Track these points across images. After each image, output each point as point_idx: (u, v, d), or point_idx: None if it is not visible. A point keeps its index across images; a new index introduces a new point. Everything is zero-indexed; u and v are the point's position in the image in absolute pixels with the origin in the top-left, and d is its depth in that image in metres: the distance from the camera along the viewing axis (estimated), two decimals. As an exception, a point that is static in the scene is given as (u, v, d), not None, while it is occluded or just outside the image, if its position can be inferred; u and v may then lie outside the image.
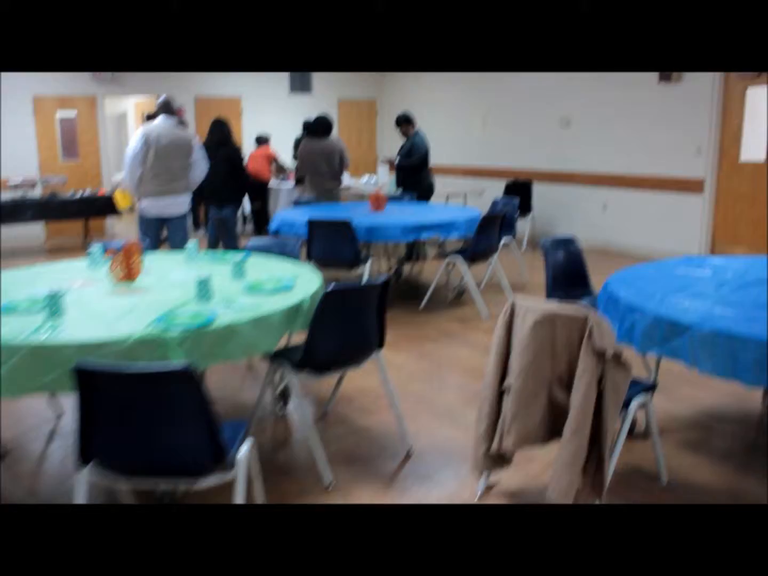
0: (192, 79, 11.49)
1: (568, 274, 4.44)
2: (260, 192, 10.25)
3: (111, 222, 11.21)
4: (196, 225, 10.65)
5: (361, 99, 13.10)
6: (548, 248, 4.35)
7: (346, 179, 10.90)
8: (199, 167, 5.95)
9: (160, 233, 5.94)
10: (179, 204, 5.86)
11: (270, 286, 3.37)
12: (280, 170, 10.29)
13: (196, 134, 6.49)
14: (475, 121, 11.08)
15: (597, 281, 4.61)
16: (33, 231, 10.52)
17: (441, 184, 9.59)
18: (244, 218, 8.88)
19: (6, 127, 10.28)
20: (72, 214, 9.61)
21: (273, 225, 6.23)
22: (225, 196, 7.74)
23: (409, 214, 6.34)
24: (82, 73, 10.67)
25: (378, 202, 6.52)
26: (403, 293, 6.88)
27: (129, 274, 3.55)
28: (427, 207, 7.00)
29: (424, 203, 7.39)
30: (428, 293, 6.17)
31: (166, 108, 5.84)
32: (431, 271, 7.62)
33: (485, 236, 5.87)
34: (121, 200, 10.59)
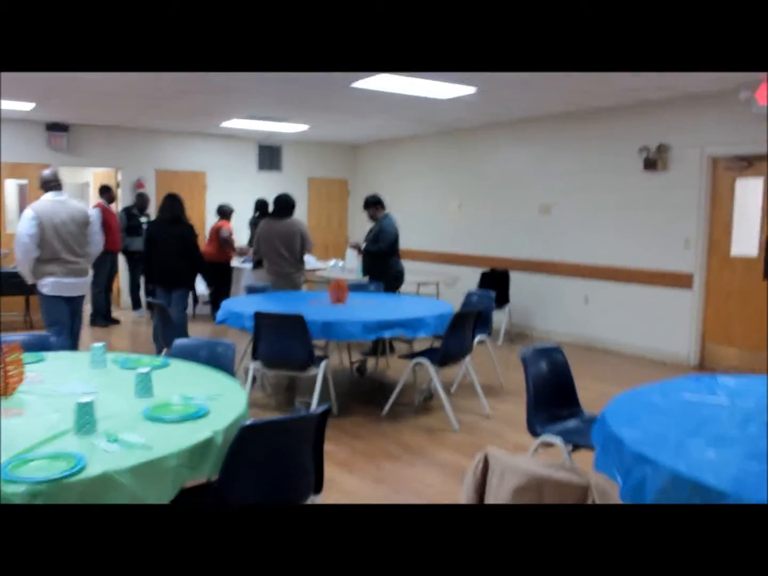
0: (154, 150, 10.97)
1: (553, 389, 3.78)
2: (220, 272, 9.60)
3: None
4: (135, 306, 9.96)
5: (332, 178, 12.64)
6: (529, 358, 3.70)
7: (312, 262, 10.35)
8: (96, 239, 5.82)
9: (70, 316, 5.66)
10: (83, 285, 5.74)
11: (178, 410, 2.66)
12: (227, 243, 9.66)
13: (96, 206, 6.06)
14: (451, 204, 10.60)
15: (582, 386, 3.96)
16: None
17: (412, 271, 9.01)
18: (195, 301, 8.20)
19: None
20: (10, 290, 8.84)
21: (219, 315, 5.54)
22: (174, 278, 7.13)
23: (372, 307, 5.70)
24: (37, 140, 10.09)
25: (338, 292, 5.86)
26: (365, 394, 6.17)
27: (3, 387, 2.82)
28: (394, 299, 6.36)
29: (392, 295, 6.75)
30: (392, 397, 5.45)
31: (54, 182, 5.62)
32: (399, 367, 6.92)
33: (457, 336, 5.22)
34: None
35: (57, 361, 3.54)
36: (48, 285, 5.50)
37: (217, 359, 3.66)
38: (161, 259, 7.19)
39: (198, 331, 8.03)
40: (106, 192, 9.35)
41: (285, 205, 7.07)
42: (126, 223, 9.58)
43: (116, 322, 9.54)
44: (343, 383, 6.52)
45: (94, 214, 5.89)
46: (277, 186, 11.90)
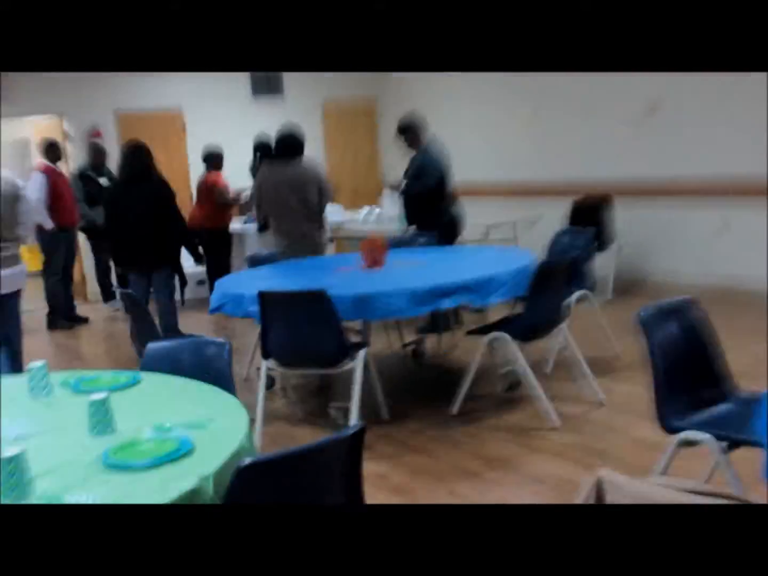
0: (111, 87, 10.78)
1: (690, 362, 3.52)
2: (216, 241, 9.44)
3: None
4: (106, 297, 9.86)
5: (354, 100, 12.37)
6: (651, 322, 3.43)
7: (337, 214, 10.15)
8: (26, 216, 5.84)
9: None
10: (12, 278, 5.67)
11: (150, 450, 2.46)
12: (228, 205, 9.49)
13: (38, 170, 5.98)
14: (520, 114, 10.24)
15: (729, 349, 3.67)
16: None
17: (475, 213, 8.72)
18: (183, 283, 8.01)
19: None
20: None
21: (213, 300, 5.37)
22: (147, 255, 6.97)
23: (422, 269, 5.47)
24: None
25: (373, 253, 5.63)
26: (426, 387, 5.98)
27: None
28: (452, 253, 6.12)
29: (449, 248, 6.50)
30: (463, 389, 5.22)
31: None
32: (469, 347, 6.68)
33: (545, 297, 4.96)
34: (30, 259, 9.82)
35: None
36: None
37: (208, 366, 3.47)
38: (127, 233, 7.03)
39: (192, 325, 7.90)
40: (49, 149, 9.24)
41: (291, 142, 6.88)
42: (82, 190, 9.42)
43: (83, 320, 9.47)
44: (395, 374, 6.33)
45: (21, 183, 5.84)
46: (280, 116, 11.59)
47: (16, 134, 13.41)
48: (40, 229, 8.99)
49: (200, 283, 9.98)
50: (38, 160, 9.31)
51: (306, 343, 4.77)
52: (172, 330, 7.23)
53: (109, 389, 3.07)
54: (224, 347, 3.50)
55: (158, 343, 3.67)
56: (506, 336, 4.93)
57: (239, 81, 11.60)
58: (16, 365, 5.69)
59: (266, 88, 11.77)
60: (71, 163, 10.67)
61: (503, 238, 8.88)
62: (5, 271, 5.63)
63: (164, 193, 7.02)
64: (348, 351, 4.76)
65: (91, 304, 10.44)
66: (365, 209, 9.31)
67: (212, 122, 11.33)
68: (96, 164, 9.74)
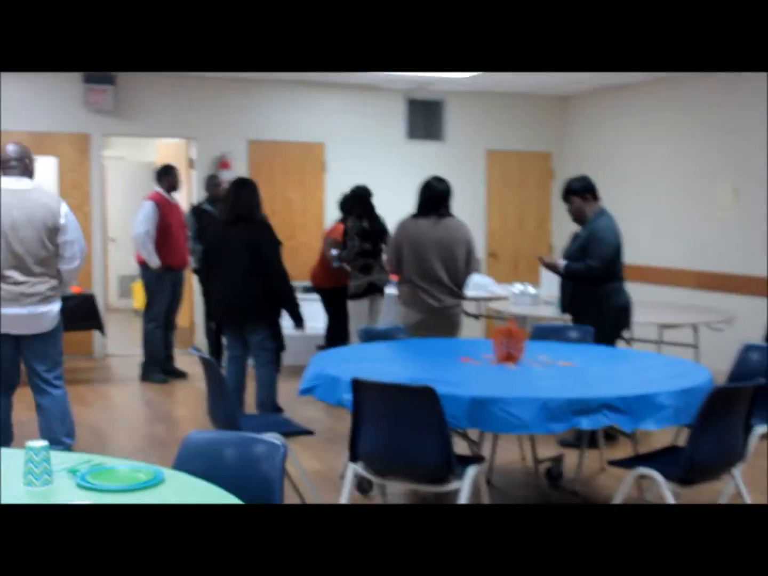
0: (245, 111, 10.74)
1: None
2: (334, 302, 9.14)
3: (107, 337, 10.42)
4: (212, 352, 9.61)
5: (525, 150, 11.96)
6: None
7: (488, 285, 9.73)
8: (72, 250, 5.67)
9: (13, 362, 5.73)
10: (41, 317, 5.63)
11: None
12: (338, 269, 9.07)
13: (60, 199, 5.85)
14: (720, 191, 9.60)
15: None
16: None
17: (647, 303, 8.12)
18: (280, 347, 7.61)
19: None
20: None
21: (304, 380, 5.01)
22: (240, 311, 6.72)
23: (566, 372, 4.96)
24: (70, 99, 10.12)
25: (507, 345, 5.16)
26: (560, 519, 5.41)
27: None
28: (606, 357, 5.57)
29: (603, 349, 5.94)
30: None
31: (13, 161, 5.64)
32: (618, 474, 6.10)
33: (717, 431, 4.36)
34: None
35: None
36: None
37: (255, 467, 3.12)
38: (220, 282, 6.80)
39: (296, 400, 7.55)
40: (164, 175, 9.18)
41: (440, 195, 6.57)
42: (194, 226, 9.26)
43: (180, 374, 9.31)
44: (519, 498, 5.80)
45: (65, 214, 5.64)
46: (438, 163, 11.35)
47: (142, 157, 13.59)
48: (144, 266, 8.94)
49: (319, 347, 9.68)
50: (154, 188, 9.23)
51: (403, 450, 4.32)
52: (266, 403, 6.95)
53: (122, 488, 2.79)
54: (278, 450, 3.12)
55: (200, 433, 3.31)
56: (658, 476, 4.36)
57: (392, 120, 11.38)
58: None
59: (423, 130, 11.51)
60: (194, 195, 10.64)
61: (680, 340, 8.25)
62: (32, 309, 5.56)
63: (265, 237, 6.77)
64: (454, 467, 4.29)
65: (194, 357, 10.29)
66: (519, 287, 8.83)
67: (356, 163, 11.12)
68: (215, 197, 9.49)
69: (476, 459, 4.57)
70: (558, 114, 12.02)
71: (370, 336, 6.04)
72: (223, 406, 5.04)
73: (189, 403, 8.49)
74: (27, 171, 5.67)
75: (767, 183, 9.08)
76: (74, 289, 9.06)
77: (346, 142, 11.18)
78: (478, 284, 9.64)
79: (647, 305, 8.17)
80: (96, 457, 3.22)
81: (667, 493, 4.36)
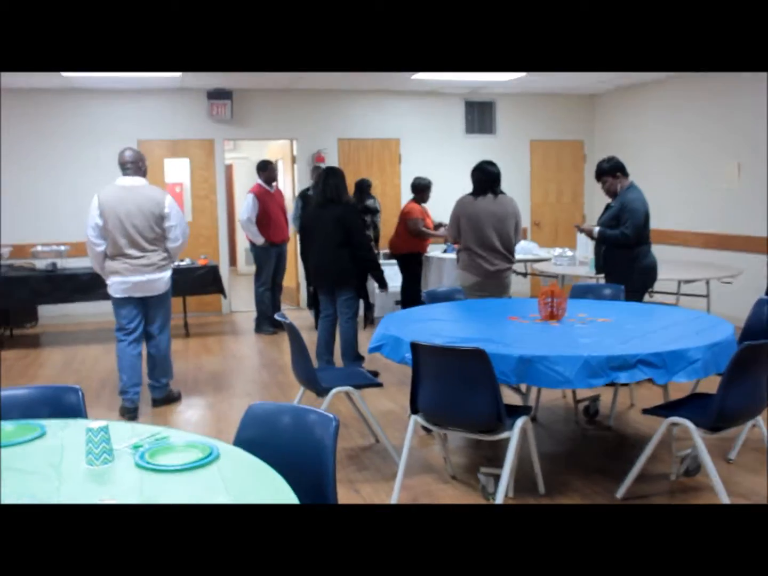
0: (335, 115, 10.03)
1: None
2: (408, 265, 8.42)
3: (232, 300, 9.84)
4: (311, 305, 8.90)
5: (562, 140, 10.99)
6: None
7: (533, 249, 8.93)
8: (175, 233, 5.50)
9: (139, 319, 5.57)
10: (154, 282, 5.50)
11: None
12: (423, 237, 8.39)
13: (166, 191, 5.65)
14: (727, 168, 8.59)
15: None
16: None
17: (668, 261, 7.24)
18: (368, 306, 6.91)
19: (108, 179, 9.29)
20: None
21: (373, 338, 4.31)
22: (331, 277, 6.16)
23: (604, 328, 4.17)
24: (198, 112, 9.53)
25: (550, 305, 4.38)
26: (593, 455, 4.65)
27: None
28: (640, 312, 4.75)
29: (637, 306, 5.11)
30: (633, 473, 3.88)
31: (128, 164, 5.47)
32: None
33: (745, 384, 3.55)
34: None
35: (54, 441, 2.45)
36: (113, 285, 5.45)
37: (309, 436, 2.42)
38: (315, 254, 6.24)
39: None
40: (263, 170, 8.51)
41: (493, 177, 5.93)
42: (301, 208, 8.54)
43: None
44: (560, 434, 5.05)
45: (170, 202, 5.47)
46: (491, 153, 10.48)
47: (256, 156, 12.96)
48: (252, 244, 8.40)
49: (397, 303, 8.99)
50: (256, 181, 8.58)
51: (458, 404, 3.60)
52: (348, 353, 6.30)
53: (176, 468, 2.15)
54: (331, 422, 2.42)
55: (259, 405, 2.63)
56: (690, 424, 3.56)
57: (453, 119, 10.52)
58: (156, 364, 5.77)
59: (479, 126, 10.63)
60: (296, 184, 10.00)
61: (695, 292, 7.37)
62: (148, 277, 5.44)
63: (350, 217, 6.15)
64: (503, 419, 3.55)
65: (301, 311, 9.71)
66: (558, 250, 7.99)
67: (426, 155, 10.34)
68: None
69: (524, 409, 3.83)
70: (588, 109, 11.02)
71: (433, 297, 5.30)
72: (302, 362, 4.36)
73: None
74: (140, 171, 5.50)
75: (763, 162, 8.10)
76: (201, 261, 8.52)
77: (416, 138, 10.36)
78: (525, 248, 8.84)
79: (665, 263, 7.31)
80: (164, 430, 2.56)
81: (698, 439, 3.57)
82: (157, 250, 5.43)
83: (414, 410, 3.78)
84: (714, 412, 3.53)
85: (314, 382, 4.32)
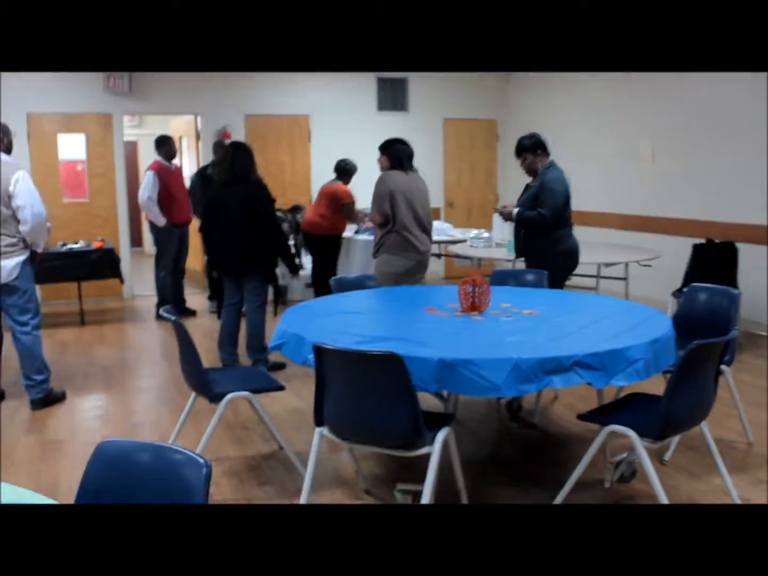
0: (242, 89, 9.22)
1: None
2: (327, 246, 7.72)
3: (131, 284, 9.00)
4: (213, 292, 8.12)
5: (475, 118, 10.44)
6: None
7: (448, 230, 8.39)
8: (23, 214, 4.62)
9: None
10: (2, 269, 4.66)
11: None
12: (351, 219, 7.72)
13: (17, 165, 4.78)
14: (642, 150, 8.18)
15: None
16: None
17: (587, 243, 6.78)
18: (277, 292, 6.18)
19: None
20: (56, 274, 7.40)
21: (274, 335, 3.64)
22: (239, 262, 5.48)
23: (531, 322, 3.60)
24: (93, 84, 8.60)
25: (472, 295, 3.80)
26: (519, 457, 4.11)
27: None
28: (566, 302, 4.22)
29: (563, 294, 4.59)
30: (570, 480, 3.33)
31: None
32: (577, 401, 4.80)
33: (690, 387, 3.04)
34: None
35: None
36: None
37: (175, 490, 1.78)
38: (220, 236, 5.53)
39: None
40: (162, 145, 7.69)
41: (411, 153, 5.41)
42: (200, 187, 7.77)
43: (191, 313, 7.96)
44: (482, 434, 4.50)
45: (16, 181, 4.61)
46: (404, 131, 9.83)
47: (156, 132, 12.02)
48: (152, 225, 7.59)
49: (308, 286, 8.31)
50: (154, 158, 7.75)
51: (369, 417, 2.97)
52: (254, 344, 5.64)
53: None
54: (201, 469, 1.77)
55: (111, 443, 1.95)
56: (632, 434, 3.03)
57: (365, 95, 9.83)
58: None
59: (391, 103, 9.97)
60: (200, 160, 9.18)
61: (613, 275, 6.95)
62: (6, 261, 4.66)
63: (259, 195, 5.45)
64: (422, 432, 2.94)
65: (203, 295, 8.93)
66: (474, 231, 7.45)
67: (336, 132, 9.61)
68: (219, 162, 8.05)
69: (445, 418, 3.23)
70: (502, 87, 10.48)
71: (341, 285, 4.65)
72: (191, 364, 3.67)
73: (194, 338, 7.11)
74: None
75: (675, 145, 7.71)
76: (97, 243, 7.67)
77: (327, 114, 9.64)
78: (439, 229, 8.29)
79: (585, 245, 6.85)
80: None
81: (641, 449, 3.04)
82: (2, 235, 4.61)
83: (319, 422, 3.14)
84: (659, 420, 3.00)
85: (205, 387, 3.64)
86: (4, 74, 8.22)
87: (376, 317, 3.93)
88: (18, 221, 4.64)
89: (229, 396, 3.59)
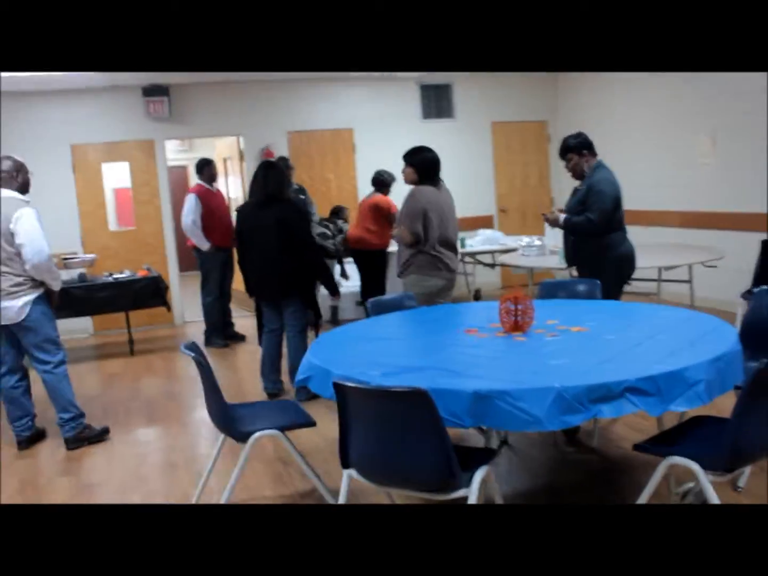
0: (282, 107, 9.06)
1: None
2: (374, 261, 7.47)
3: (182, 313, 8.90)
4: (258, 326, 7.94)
5: (524, 121, 10.06)
6: None
7: (499, 238, 8.06)
8: (25, 252, 4.47)
9: (5, 349, 4.72)
10: (6, 311, 4.52)
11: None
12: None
13: (22, 204, 4.61)
14: (700, 141, 7.71)
15: None
16: (81, 323, 8.40)
17: (644, 245, 6.37)
18: (317, 316, 5.92)
19: (40, 188, 8.27)
20: (102, 306, 7.31)
21: (300, 369, 3.39)
22: (275, 287, 5.25)
23: (578, 344, 3.26)
24: (134, 111, 8.54)
25: (514, 314, 3.48)
26: (580, 488, 3.76)
27: None
28: (620, 317, 3.86)
29: (616, 306, 4.22)
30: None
31: (2, 173, 4.59)
32: (643, 422, 4.42)
33: (761, 412, 2.67)
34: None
35: None
36: None
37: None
38: (256, 260, 5.31)
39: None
40: (204, 168, 7.55)
41: (439, 164, 5.00)
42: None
43: (240, 338, 7.78)
44: (535, 461, 4.16)
45: (17, 219, 4.47)
46: (451, 138, 9.63)
47: (206, 155, 11.96)
48: (197, 249, 7.43)
49: (359, 304, 8.06)
50: (196, 182, 7.63)
51: (396, 459, 2.68)
52: (296, 371, 5.38)
53: None
54: None
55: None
56: (696, 467, 2.67)
57: (409, 104, 9.56)
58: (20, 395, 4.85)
59: (436, 110, 9.67)
60: (246, 180, 9.03)
61: (676, 278, 6.52)
62: (12, 302, 4.53)
63: (292, 216, 5.22)
64: (457, 474, 2.64)
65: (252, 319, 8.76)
66: (525, 239, 7.09)
67: (382, 144, 9.33)
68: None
69: (485, 454, 2.92)
70: (551, 87, 10.09)
71: (378, 307, 4.37)
72: (215, 403, 3.44)
73: (246, 363, 6.93)
74: (13, 183, 4.62)
75: (739, 133, 7.23)
76: (141, 272, 7.56)
77: (371, 126, 9.40)
78: (490, 238, 7.99)
79: (643, 247, 6.45)
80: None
81: (706, 484, 2.68)
82: (6, 274, 4.49)
83: (345, 464, 2.87)
84: (726, 450, 2.64)
85: (229, 425, 3.41)
86: (48, 106, 8.23)
87: (409, 343, 3.63)
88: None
89: (255, 435, 3.35)
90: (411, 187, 4.96)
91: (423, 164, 4.91)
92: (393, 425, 2.64)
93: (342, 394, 2.71)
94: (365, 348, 3.43)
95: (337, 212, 7.95)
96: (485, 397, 2.63)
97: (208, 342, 7.63)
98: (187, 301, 9.23)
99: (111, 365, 7.20)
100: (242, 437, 3.37)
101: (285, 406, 3.87)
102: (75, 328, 8.34)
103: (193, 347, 3.48)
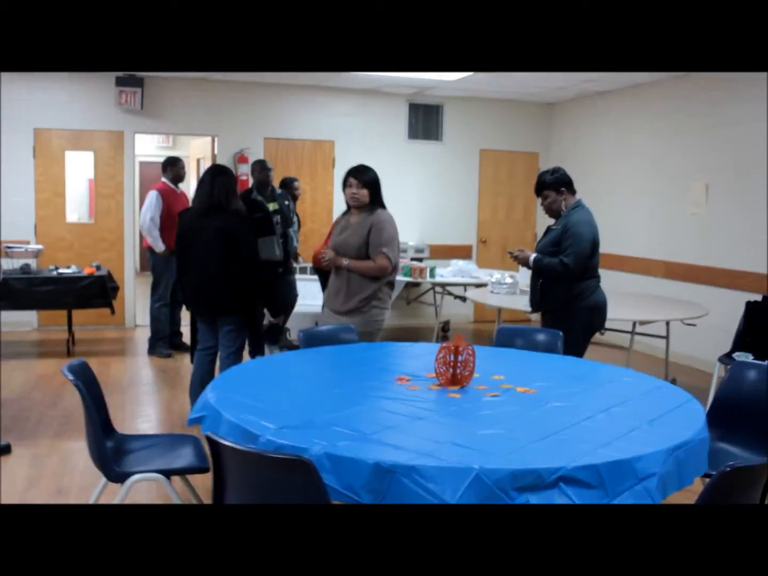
0: (262, 111, 8.59)
1: None
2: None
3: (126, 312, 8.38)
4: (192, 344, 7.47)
5: (515, 151, 9.61)
6: None
7: (471, 270, 7.58)
8: None
9: None
10: None
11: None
12: None
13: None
14: (693, 188, 7.27)
15: None
16: (25, 316, 7.90)
17: (620, 294, 5.91)
18: (256, 336, 5.43)
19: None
20: (42, 301, 6.79)
21: (194, 408, 2.88)
22: (212, 302, 4.73)
23: (517, 410, 2.75)
24: (105, 99, 8.06)
25: (452, 367, 2.98)
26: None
27: None
28: (575, 375, 3.36)
29: (574, 365, 3.72)
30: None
31: None
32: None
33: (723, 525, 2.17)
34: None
35: None
36: None
37: None
38: (193, 272, 4.80)
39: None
40: (171, 166, 7.06)
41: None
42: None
43: (186, 348, 7.25)
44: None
45: None
46: (436, 161, 9.20)
47: (183, 152, 11.50)
48: (151, 251, 6.92)
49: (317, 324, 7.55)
50: (161, 179, 7.14)
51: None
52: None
53: None
54: None
55: None
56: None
57: (395, 121, 9.11)
58: None
59: (423, 131, 9.21)
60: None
61: (654, 333, 6.05)
62: None
63: (237, 228, 4.70)
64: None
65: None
66: (497, 274, 6.61)
67: (363, 160, 8.84)
68: (262, 183, 7.08)
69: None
70: (544, 118, 9.66)
71: (310, 340, 3.86)
72: (93, 436, 2.92)
73: (183, 379, 6.40)
74: None
75: (733, 183, 6.80)
76: (88, 270, 7.04)
77: (353, 141, 8.94)
78: (462, 269, 7.49)
79: (622, 296, 6.01)
80: None
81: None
82: None
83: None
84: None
85: (106, 464, 2.88)
86: (12, 87, 7.73)
87: (326, 389, 3.10)
88: None
89: (133, 478, 2.83)
90: (366, 208, 4.49)
91: (375, 185, 4.45)
92: (271, 495, 2.13)
93: (216, 451, 2.20)
94: (273, 390, 2.92)
95: (286, 184, 7.38)
96: (388, 472, 2.13)
97: (152, 350, 7.12)
98: (141, 304, 8.69)
99: (44, 365, 6.68)
100: (118, 478, 2.85)
101: (183, 442, 3.33)
102: (19, 321, 7.82)
103: (77, 369, 2.96)
